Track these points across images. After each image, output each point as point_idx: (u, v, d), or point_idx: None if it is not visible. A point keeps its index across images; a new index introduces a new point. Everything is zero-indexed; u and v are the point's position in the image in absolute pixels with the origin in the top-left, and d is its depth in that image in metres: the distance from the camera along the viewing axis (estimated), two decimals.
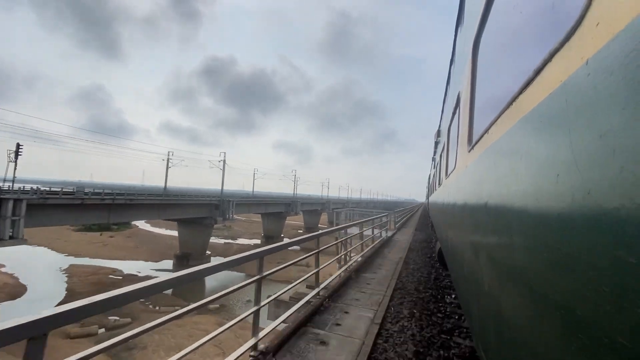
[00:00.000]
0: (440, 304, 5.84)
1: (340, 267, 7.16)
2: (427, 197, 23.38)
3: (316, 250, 5.05)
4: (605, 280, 0.66)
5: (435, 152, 10.58)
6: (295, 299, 5.08)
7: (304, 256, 4.68)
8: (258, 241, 53.11)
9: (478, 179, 2.06)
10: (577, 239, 0.77)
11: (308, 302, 4.49)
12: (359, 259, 8.03)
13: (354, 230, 8.65)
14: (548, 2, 1.01)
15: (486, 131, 1.81)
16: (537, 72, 1.02)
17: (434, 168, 11.78)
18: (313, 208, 68.89)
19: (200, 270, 2.34)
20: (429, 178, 19.89)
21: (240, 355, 2.81)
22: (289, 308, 4.03)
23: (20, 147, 27.28)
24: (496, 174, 1.57)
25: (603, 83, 0.66)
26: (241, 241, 53.69)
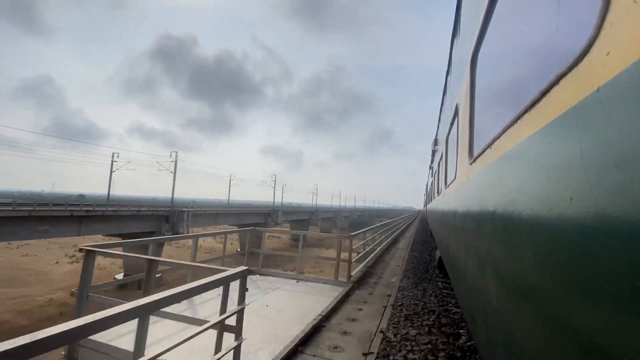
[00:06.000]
0: None
1: None
2: (425, 205, 23.42)
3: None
4: (622, 301, 0.65)
5: (432, 161, 10.64)
6: None
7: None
8: None
9: (481, 192, 2.06)
10: (592, 263, 0.76)
11: None
12: None
13: None
14: (550, 28, 1.03)
15: (489, 146, 1.82)
16: (544, 93, 1.03)
17: (432, 176, 11.83)
18: (300, 218, 59.74)
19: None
20: (427, 186, 19.96)
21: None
22: None
23: None
24: (501, 189, 1.57)
25: (617, 111, 0.66)
26: None
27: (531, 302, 1.15)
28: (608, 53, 0.69)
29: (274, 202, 63.09)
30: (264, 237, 7.96)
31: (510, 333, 1.40)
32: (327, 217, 79.08)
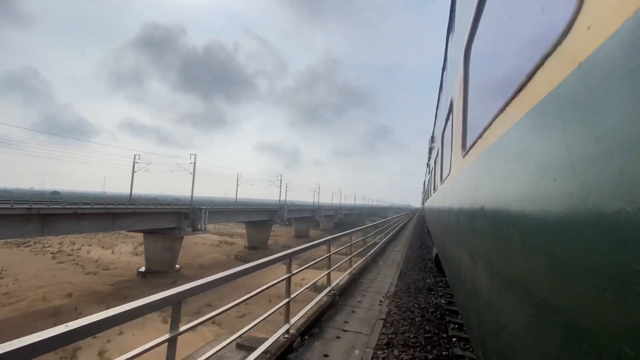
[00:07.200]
0: None
1: None
2: (423, 203, 23.49)
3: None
4: (607, 285, 0.65)
5: (429, 158, 10.67)
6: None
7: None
8: None
9: (473, 184, 2.06)
10: (577, 243, 0.76)
11: None
12: None
13: None
14: (537, 8, 1.02)
15: (480, 136, 1.82)
16: (530, 76, 1.02)
17: (428, 174, 11.86)
18: (257, 219, 48.35)
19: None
20: (424, 184, 20.02)
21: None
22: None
23: None
24: (492, 178, 1.57)
25: (598, 86, 0.66)
26: None
27: (522, 293, 1.14)
28: (589, 27, 0.69)
29: (192, 196, 41.81)
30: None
31: (501, 325, 1.40)
32: (304, 217, 63.36)
